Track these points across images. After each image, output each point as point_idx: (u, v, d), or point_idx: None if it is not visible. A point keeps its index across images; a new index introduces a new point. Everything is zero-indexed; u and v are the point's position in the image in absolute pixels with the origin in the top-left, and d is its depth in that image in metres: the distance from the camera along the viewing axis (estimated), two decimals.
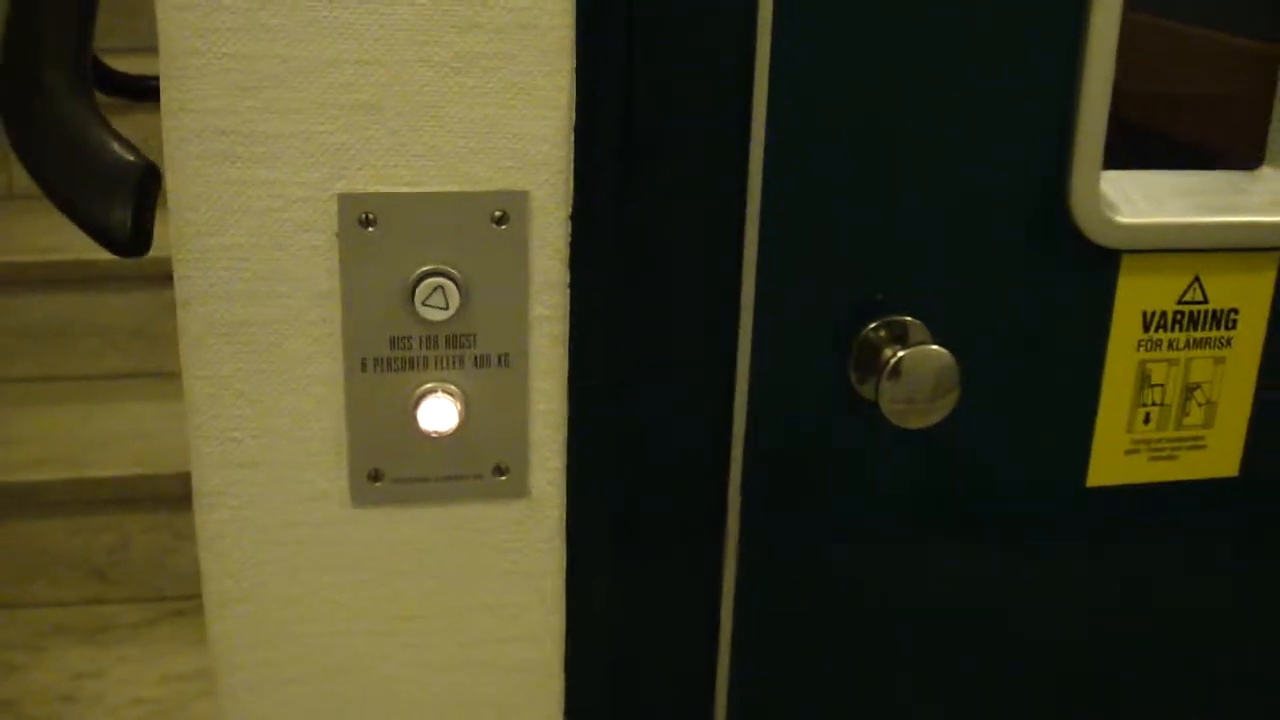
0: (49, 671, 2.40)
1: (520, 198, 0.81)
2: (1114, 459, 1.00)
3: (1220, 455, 1.02)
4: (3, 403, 2.75)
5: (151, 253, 0.81)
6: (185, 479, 2.70)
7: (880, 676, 1.04)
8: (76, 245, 2.75)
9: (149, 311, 2.80)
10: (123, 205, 0.78)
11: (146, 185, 0.79)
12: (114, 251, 0.81)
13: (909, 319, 0.93)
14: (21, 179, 2.96)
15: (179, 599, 2.61)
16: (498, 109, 0.80)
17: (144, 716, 2.31)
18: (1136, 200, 0.96)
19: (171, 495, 2.55)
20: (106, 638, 2.51)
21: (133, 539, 2.58)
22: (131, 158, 0.79)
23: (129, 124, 0.94)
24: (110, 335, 2.81)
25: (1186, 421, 1.01)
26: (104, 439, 2.62)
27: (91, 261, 2.73)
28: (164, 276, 2.75)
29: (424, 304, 0.82)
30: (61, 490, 2.53)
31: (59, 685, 2.37)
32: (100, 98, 0.88)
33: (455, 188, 0.81)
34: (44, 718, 2.30)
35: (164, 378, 2.82)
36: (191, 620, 2.56)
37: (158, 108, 0.78)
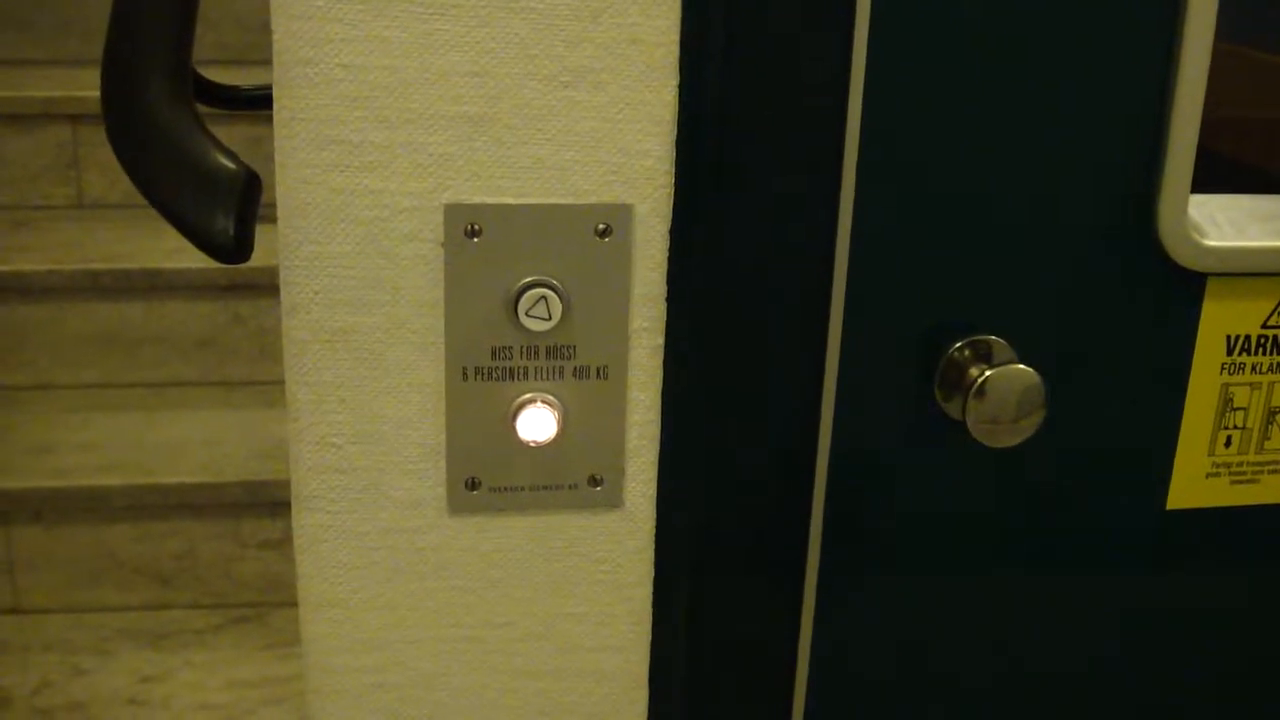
0: (116, 675, 2.42)
1: (624, 211, 0.82)
2: (1195, 482, 1.00)
3: None
4: (71, 408, 2.77)
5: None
6: (251, 487, 2.71)
7: (957, 693, 1.04)
8: (144, 254, 2.79)
9: (215, 321, 2.81)
10: (225, 213, 0.79)
11: (249, 193, 0.79)
12: (216, 258, 0.81)
13: (994, 339, 0.93)
14: (91, 189, 2.99)
15: (243, 606, 2.62)
16: (604, 123, 0.80)
17: None
18: (1221, 224, 0.96)
19: (236, 503, 2.56)
20: (172, 643, 2.52)
21: (197, 546, 2.59)
22: (234, 165, 0.80)
23: (222, 134, 0.95)
24: (177, 344, 2.82)
25: (1268, 445, 1.01)
26: (170, 446, 2.63)
27: (159, 271, 2.75)
28: (230, 287, 2.77)
29: (527, 314, 0.82)
30: (128, 496, 2.53)
31: (126, 689, 2.38)
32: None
33: (560, 200, 0.81)
34: None
35: (230, 387, 2.84)
36: (255, 627, 2.57)
37: (249, 117, 0.79)
